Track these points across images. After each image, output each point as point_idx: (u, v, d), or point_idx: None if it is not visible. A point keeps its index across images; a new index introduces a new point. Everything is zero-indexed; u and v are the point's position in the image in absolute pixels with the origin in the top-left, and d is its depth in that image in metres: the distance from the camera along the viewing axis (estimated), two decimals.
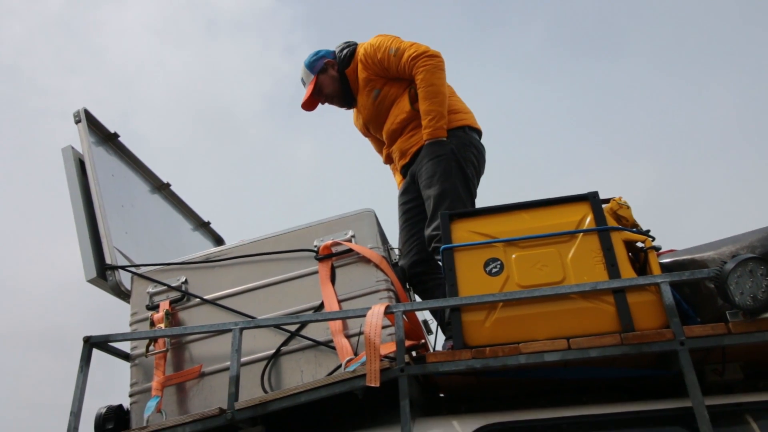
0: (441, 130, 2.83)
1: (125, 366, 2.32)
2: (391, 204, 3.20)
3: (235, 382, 1.90)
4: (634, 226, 2.06)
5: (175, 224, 3.42)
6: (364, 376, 1.79)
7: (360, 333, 2.05)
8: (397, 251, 2.94)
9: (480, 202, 2.89)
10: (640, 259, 2.06)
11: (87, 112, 2.80)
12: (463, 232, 2.08)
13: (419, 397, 1.99)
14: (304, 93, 3.18)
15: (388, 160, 3.28)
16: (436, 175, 2.76)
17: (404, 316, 1.95)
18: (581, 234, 2.00)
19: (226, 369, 2.00)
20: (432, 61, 2.89)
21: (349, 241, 2.28)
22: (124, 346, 2.31)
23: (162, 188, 3.33)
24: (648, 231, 2.05)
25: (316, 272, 2.25)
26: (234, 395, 1.88)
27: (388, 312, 1.92)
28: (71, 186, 2.63)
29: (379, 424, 1.88)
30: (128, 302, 2.42)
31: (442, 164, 2.77)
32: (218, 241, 3.73)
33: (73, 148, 2.73)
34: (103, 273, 2.45)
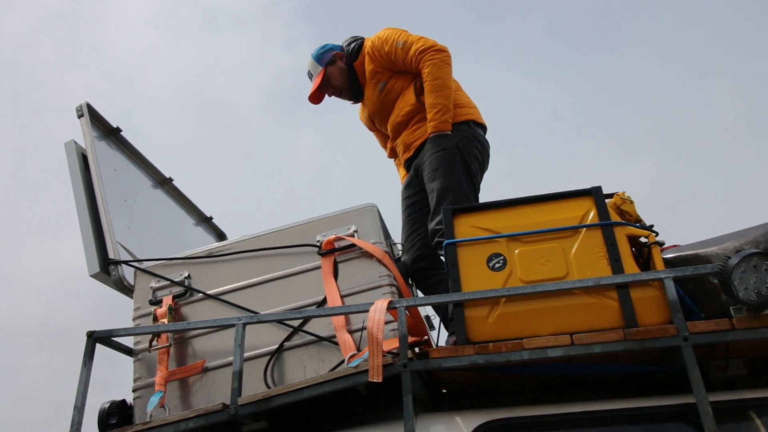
0: (446, 124, 2.82)
1: (126, 360, 2.32)
2: (393, 199, 3.20)
3: (238, 377, 1.90)
4: (637, 221, 2.05)
5: (178, 219, 3.42)
6: (366, 371, 1.78)
7: (363, 328, 2.05)
8: (399, 246, 2.94)
9: (481, 198, 2.88)
10: (643, 254, 2.05)
11: (89, 107, 2.80)
12: (465, 227, 2.08)
13: (422, 392, 1.99)
14: (310, 86, 3.17)
15: (393, 154, 3.26)
16: (440, 169, 2.75)
17: (407, 312, 1.95)
18: (584, 229, 1.99)
19: (229, 364, 2.00)
20: (439, 55, 2.89)
21: (352, 236, 2.27)
22: (127, 341, 2.31)
23: (164, 183, 3.33)
24: (651, 226, 2.04)
25: (318, 267, 2.25)
26: (237, 390, 1.88)
27: (390, 307, 1.91)
28: (74, 181, 2.63)
29: (382, 420, 1.88)
30: (131, 297, 2.42)
31: (447, 158, 2.76)
32: (220, 236, 3.74)
33: (75, 142, 2.73)
34: (107, 268, 2.45)
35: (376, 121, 3.22)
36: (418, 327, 2.28)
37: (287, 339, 2.16)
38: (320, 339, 2.13)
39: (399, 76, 3.00)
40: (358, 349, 2.01)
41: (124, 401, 2.22)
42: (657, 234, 2.01)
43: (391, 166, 3.42)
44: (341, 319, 2.11)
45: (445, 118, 2.82)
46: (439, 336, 2.57)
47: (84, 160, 2.69)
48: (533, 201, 2.09)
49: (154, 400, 2.08)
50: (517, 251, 1.99)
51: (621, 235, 1.97)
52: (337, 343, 2.08)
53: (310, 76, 3.19)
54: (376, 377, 1.76)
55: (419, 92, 2.93)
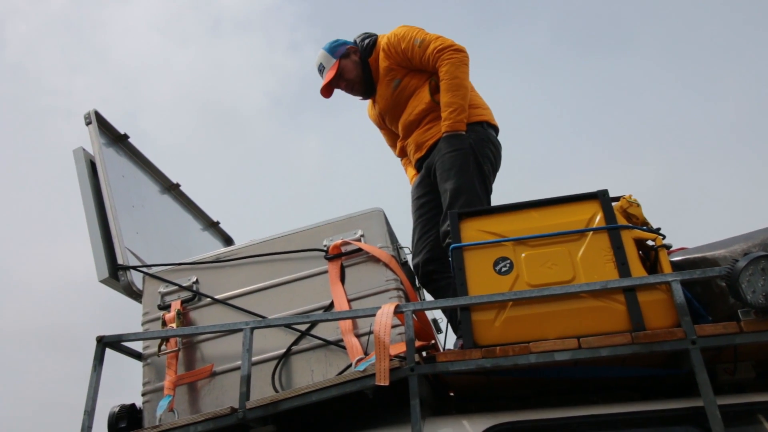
0: (461, 124, 2.81)
1: (134, 364, 2.34)
2: (398, 201, 3.20)
3: (246, 381, 1.91)
4: (644, 225, 2.05)
5: (185, 224, 3.44)
6: (374, 375, 1.79)
7: (370, 332, 2.05)
8: (406, 250, 2.94)
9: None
10: (650, 257, 2.05)
11: (97, 114, 2.82)
12: (472, 231, 2.08)
13: (429, 396, 1.99)
14: (319, 81, 3.12)
15: (402, 153, 3.24)
16: (453, 169, 2.74)
17: (414, 316, 1.95)
18: (591, 232, 1.99)
19: (237, 368, 2.01)
20: (458, 54, 2.88)
21: (359, 240, 2.28)
22: (136, 346, 2.33)
23: (172, 188, 3.35)
24: (659, 229, 2.04)
25: (325, 272, 2.26)
26: (245, 394, 1.89)
27: (397, 311, 1.92)
28: (83, 187, 2.66)
29: (389, 424, 1.88)
30: (140, 302, 2.44)
31: (460, 158, 2.75)
32: (227, 240, 3.75)
33: (84, 149, 2.75)
34: (116, 273, 2.47)
35: (386, 119, 3.18)
36: (425, 331, 2.29)
37: (295, 343, 2.16)
38: (327, 343, 2.14)
39: (414, 74, 2.98)
40: (366, 353, 2.02)
41: (133, 405, 2.24)
42: (664, 237, 2.01)
43: (396, 167, 3.41)
44: (348, 323, 2.12)
45: (460, 118, 2.81)
46: (446, 339, 2.58)
47: (92, 166, 2.72)
48: (540, 205, 2.09)
49: (163, 404, 2.09)
50: (523, 255, 1.99)
51: (628, 238, 1.97)
52: (344, 347, 2.08)
53: (322, 69, 3.13)
54: (383, 381, 1.76)
55: (434, 91, 2.92)
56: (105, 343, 2.10)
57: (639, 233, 2.00)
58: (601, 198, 2.04)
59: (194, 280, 2.39)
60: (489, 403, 2.01)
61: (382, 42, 3.03)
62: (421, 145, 2.99)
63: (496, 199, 2.85)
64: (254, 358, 2.07)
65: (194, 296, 2.35)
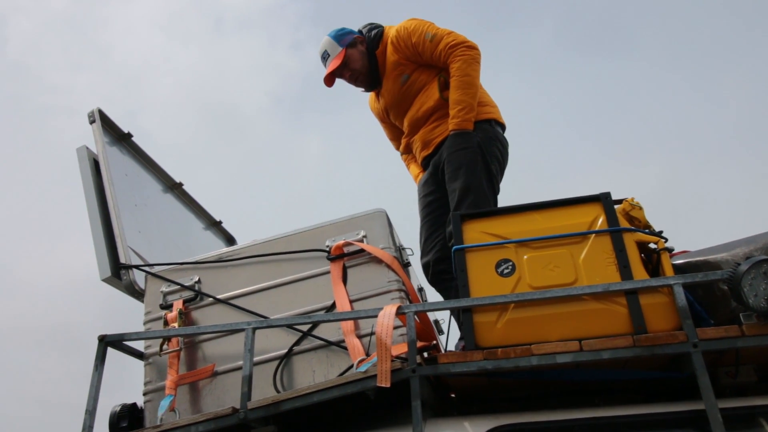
0: (469, 122, 2.78)
1: (135, 363, 2.34)
2: (400, 200, 3.19)
3: (248, 381, 1.91)
4: (646, 227, 2.05)
5: (187, 223, 3.45)
6: (375, 376, 1.79)
7: (372, 333, 2.05)
8: (408, 251, 2.94)
9: None
10: (652, 260, 2.05)
11: (101, 113, 2.83)
12: (474, 232, 2.08)
13: (431, 397, 1.99)
14: (324, 68, 3.04)
15: (406, 149, 3.19)
16: (462, 168, 2.72)
17: (416, 317, 1.96)
18: (593, 235, 1.99)
19: (239, 368, 2.01)
20: (471, 52, 2.83)
21: (361, 241, 2.28)
22: (138, 345, 2.33)
23: (174, 187, 3.36)
24: (661, 232, 2.04)
25: (328, 272, 2.26)
26: (246, 395, 1.90)
27: (399, 312, 1.92)
28: (86, 186, 2.66)
29: (391, 425, 1.89)
30: (142, 301, 2.44)
31: (468, 157, 2.73)
32: (229, 240, 3.76)
33: (87, 148, 2.76)
34: (118, 272, 2.47)
35: (391, 114, 3.13)
36: (427, 332, 2.29)
37: (296, 343, 2.17)
38: (329, 344, 2.14)
39: (423, 70, 2.93)
40: (367, 354, 2.02)
41: (134, 404, 2.24)
42: (666, 240, 2.01)
43: (398, 167, 3.38)
44: (350, 324, 2.12)
45: (469, 117, 2.78)
46: (448, 340, 2.58)
47: (95, 165, 2.72)
48: (542, 207, 2.09)
49: (165, 403, 2.09)
50: (525, 257, 1.99)
51: (630, 241, 1.97)
52: (346, 348, 2.09)
53: (326, 56, 3.03)
54: (384, 382, 1.77)
55: (443, 88, 2.87)
56: (107, 342, 2.10)
57: (641, 236, 2.00)
58: (604, 201, 2.05)
59: (196, 279, 2.39)
60: (490, 405, 2.01)
61: (391, 34, 2.96)
62: (428, 142, 2.95)
63: (499, 200, 2.85)
64: (256, 359, 2.07)
65: (196, 296, 2.35)
